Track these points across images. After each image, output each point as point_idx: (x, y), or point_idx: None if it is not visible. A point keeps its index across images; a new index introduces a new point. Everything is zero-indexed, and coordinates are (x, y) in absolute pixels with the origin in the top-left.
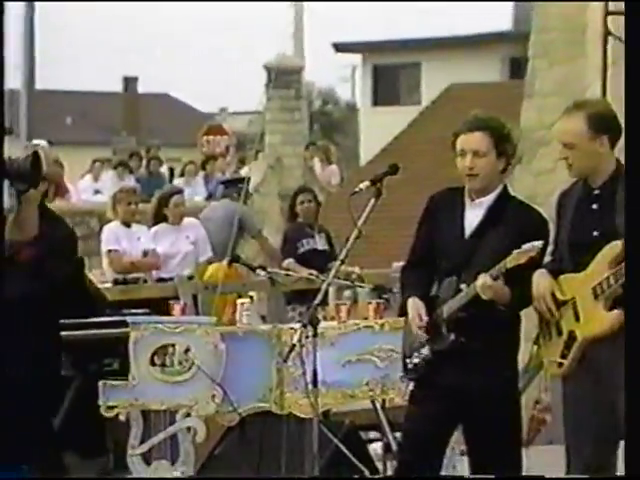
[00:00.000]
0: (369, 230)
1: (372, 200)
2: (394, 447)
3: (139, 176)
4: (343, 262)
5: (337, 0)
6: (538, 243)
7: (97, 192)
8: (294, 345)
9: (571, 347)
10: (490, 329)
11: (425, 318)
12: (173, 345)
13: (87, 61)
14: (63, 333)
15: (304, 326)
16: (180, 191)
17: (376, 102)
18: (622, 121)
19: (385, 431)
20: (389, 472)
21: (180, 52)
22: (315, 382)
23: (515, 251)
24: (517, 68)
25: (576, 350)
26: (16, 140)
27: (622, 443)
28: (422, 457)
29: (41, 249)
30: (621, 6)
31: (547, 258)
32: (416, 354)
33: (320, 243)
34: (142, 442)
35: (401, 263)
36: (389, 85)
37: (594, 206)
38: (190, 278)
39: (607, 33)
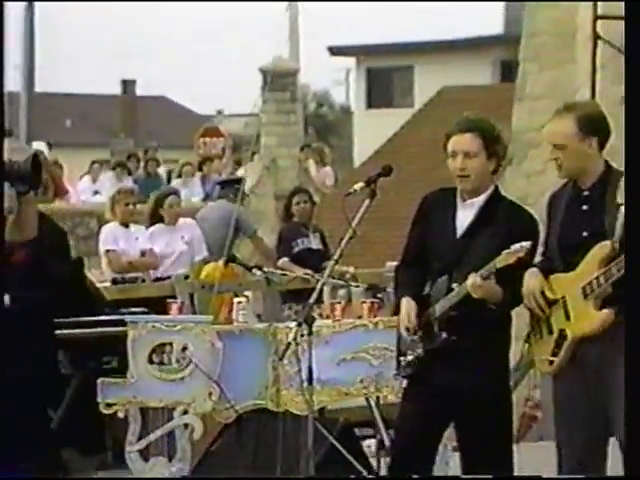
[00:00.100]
0: (363, 230)
1: (366, 201)
2: (387, 444)
3: (137, 177)
4: (337, 262)
5: (331, 0)
6: (527, 244)
7: (96, 193)
8: (290, 343)
9: (562, 345)
10: (481, 328)
11: (414, 320)
12: (171, 343)
13: (86, 63)
14: (63, 332)
15: (299, 325)
16: (175, 192)
17: (370, 105)
18: (611, 123)
19: (379, 428)
20: (382, 468)
21: (177, 56)
22: (310, 380)
23: (504, 252)
24: (508, 71)
25: (567, 348)
26: (16, 142)
27: (612, 440)
28: (414, 453)
29: (35, 250)
30: (610, 10)
31: (538, 258)
32: (409, 352)
33: (314, 242)
34: (140, 439)
35: (395, 263)
36: (383, 88)
37: (584, 207)
38: (185, 278)
39: (596, 37)
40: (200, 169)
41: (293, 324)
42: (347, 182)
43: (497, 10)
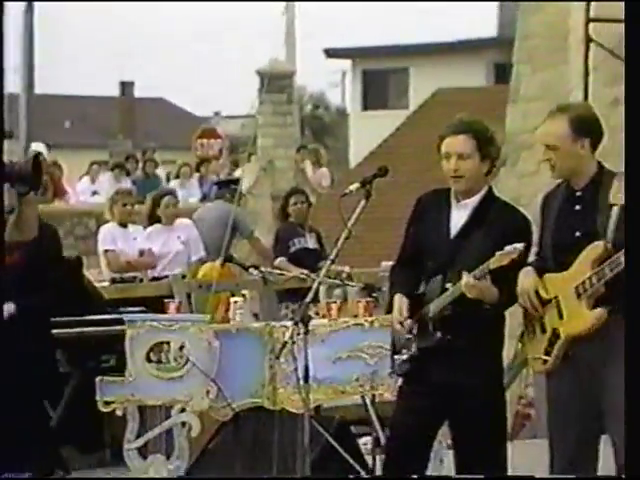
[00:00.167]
0: (359, 230)
1: (362, 201)
2: (383, 441)
3: (135, 178)
4: (333, 261)
5: (327, 0)
6: (520, 245)
7: (95, 193)
8: (286, 342)
9: (555, 344)
10: (475, 327)
11: (406, 314)
12: (168, 342)
13: (85, 64)
14: (61, 331)
15: (296, 324)
16: (172, 192)
17: (365, 106)
18: (603, 124)
19: (374, 426)
20: (378, 466)
21: (175, 56)
22: (306, 378)
23: (498, 253)
24: (502, 73)
25: (560, 347)
26: (16, 143)
27: (603, 438)
28: (409, 450)
29: (31, 251)
30: (602, 13)
31: (532, 257)
32: (404, 351)
33: (311, 242)
34: (138, 436)
35: (390, 262)
36: (378, 90)
37: (577, 207)
38: (183, 277)
39: (589, 40)
40: (198, 170)
41: (289, 323)
42: (343, 183)
43: (491, 13)
